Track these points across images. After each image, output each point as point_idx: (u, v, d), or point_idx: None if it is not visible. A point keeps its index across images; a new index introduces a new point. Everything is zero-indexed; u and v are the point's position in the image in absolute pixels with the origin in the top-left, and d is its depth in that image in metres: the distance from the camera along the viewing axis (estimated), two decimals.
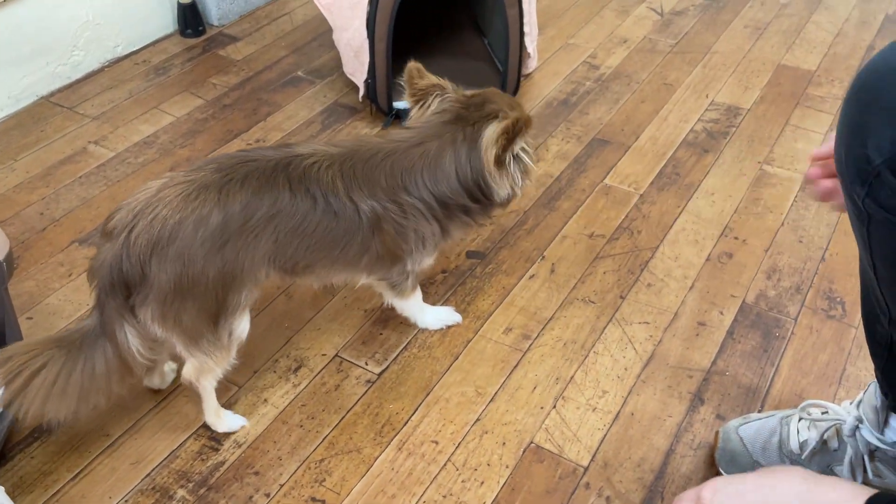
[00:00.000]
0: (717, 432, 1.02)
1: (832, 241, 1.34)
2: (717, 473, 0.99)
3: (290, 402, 1.10)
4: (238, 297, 0.95)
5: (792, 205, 1.42)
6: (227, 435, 1.05)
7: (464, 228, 1.09)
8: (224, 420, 1.06)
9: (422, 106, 1.06)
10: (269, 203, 0.93)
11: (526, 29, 1.62)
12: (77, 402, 0.92)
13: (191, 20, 1.93)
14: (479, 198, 1.04)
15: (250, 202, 0.92)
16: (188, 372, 1.01)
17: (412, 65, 1.06)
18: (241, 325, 0.98)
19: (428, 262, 1.10)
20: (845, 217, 1.36)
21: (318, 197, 0.95)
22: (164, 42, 1.92)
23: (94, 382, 0.93)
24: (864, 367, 1.12)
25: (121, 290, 0.91)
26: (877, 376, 0.86)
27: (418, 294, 1.16)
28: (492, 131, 1.00)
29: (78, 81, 1.76)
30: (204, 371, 0.99)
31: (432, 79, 1.06)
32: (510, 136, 0.98)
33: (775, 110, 1.67)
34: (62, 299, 1.24)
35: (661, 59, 1.85)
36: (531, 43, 1.70)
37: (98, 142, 1.59)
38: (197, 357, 0.97)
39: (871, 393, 0.88)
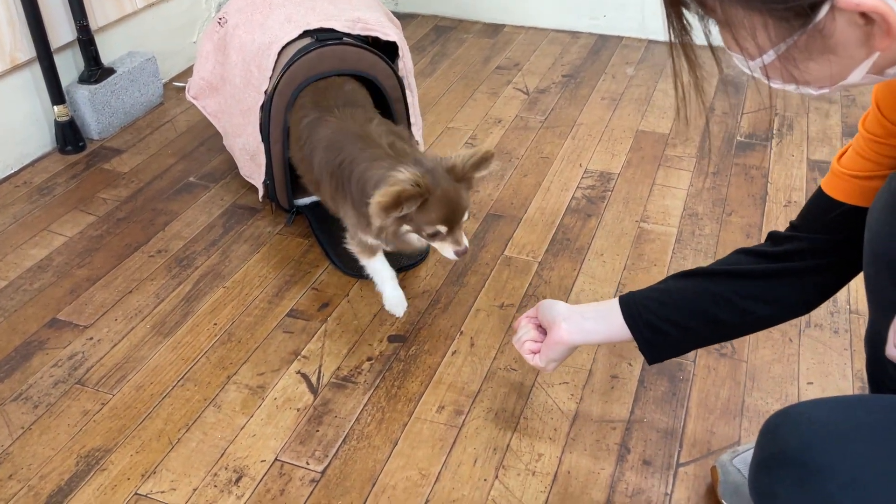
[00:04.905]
0: (712, 468, 1.10)
1: None
2: None
3: None
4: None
5: (671, 257, 1.58)
6: None
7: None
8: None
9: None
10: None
11: (412, 119, 1.72)
12: None
13: (70, 136, 1.90)
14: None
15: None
16: None
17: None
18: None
19: (363, 237, 1.35)
20: None
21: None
22: (43, 161, 1.87)
23: None
24: (759, 398, 1.26)
25: None
26: None
27: (372, 264, 1.41)
28: (378, 194, 1.16)
29: None
30: None
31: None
32: (386, 207, 1.15)
33: (641, 172, 1.85)
34: None
35: (534, 134, 2.01)
36: (418, 131, 1.80)
37: None
38: None
39: None
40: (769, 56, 0.64)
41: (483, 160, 1.23)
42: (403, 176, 1.16)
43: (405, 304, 1.41)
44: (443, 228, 1.21)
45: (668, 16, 0.67)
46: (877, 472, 0.63)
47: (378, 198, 1.14)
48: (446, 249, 1.24)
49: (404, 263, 1.54)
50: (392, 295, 1.40)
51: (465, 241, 1.25)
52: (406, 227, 1.24)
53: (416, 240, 1.27)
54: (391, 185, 1.15)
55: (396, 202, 1.14)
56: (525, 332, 1.13)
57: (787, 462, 0.68)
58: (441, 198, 1.19)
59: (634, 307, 1.01)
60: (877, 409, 0.70)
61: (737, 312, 0.96)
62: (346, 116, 1.40)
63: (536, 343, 1.11)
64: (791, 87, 0.68)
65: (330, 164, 1.35)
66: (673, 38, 0.67)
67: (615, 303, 1.03)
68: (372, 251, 1.39)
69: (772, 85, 0.69)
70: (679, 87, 0.69)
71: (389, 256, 1.44)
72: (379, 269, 1.41)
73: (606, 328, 1.03)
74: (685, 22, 0.66)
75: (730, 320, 0.97)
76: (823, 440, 0.66)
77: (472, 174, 1.23)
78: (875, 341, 0.85)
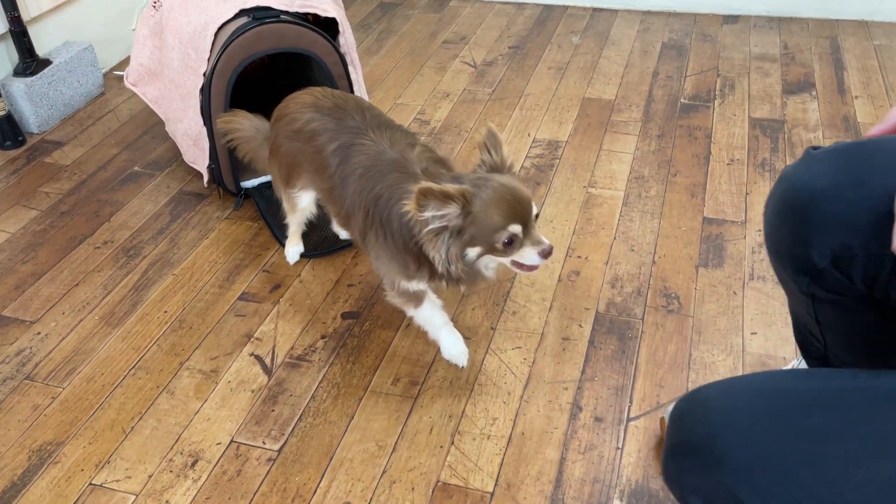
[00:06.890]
0: (661, 419, 1.13)
1: (658, 246, 1.53)
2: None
3: (193, 499, 1.09)
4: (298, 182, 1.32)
5: (619, 220, 1.60)
6: None
7: (437, 279, 1.11)
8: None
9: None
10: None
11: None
12: None
13: (8, 131, 1.85)
14: (423, 255, 1.06)
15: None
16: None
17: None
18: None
19: (406, 285, 1.17)
20: (665, 223, 1.56)
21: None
22: None
23: None
24: (705, 350, 1.29)
25: None
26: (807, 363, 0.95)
27: (421, 313, 1.22)
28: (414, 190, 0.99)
29: None
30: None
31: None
32: (417, 200, 0.98)
33: (589, 139, 1.87)
34: None
35: (482, 107, 2.02)
36: None
37: None
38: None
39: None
40: None
41: (493, 139, 1.07)
42: (428, 182, 1.00)
43: (467, 351, 1.23)
44: (516, 228, 1.02)
45: None
46: (772, 462, 0.63)
47: (416, 190, 0.97)
48: (529, 255, 1.05)
49: (343, 244, 1.54)
50: (452, 344, 1.22)
51: (546, 239, 1.06)
52: (474, 250, 1.04)
53: (487, 267, 1.09)
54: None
55: (432, 194, 0.97)
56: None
57: (692, 450, 0.68)
58: (498, 196, 1.01)
59: None
60: (784, 393, 0.69)
61: None
62: (383, 140, 1.17)
63: None
64: None
65: (365, 196, 1.13)
66: None
67: None
68: (418, 299, 1.19)
69: None
70: None
71: (329, 232, 1.43)
72: (429, 316, 1.21)
73: None
74: None
75: None
76: (725, 429, 0.66)
77: (503, 159, 1.08)
78: (793, 306, 0.87)
